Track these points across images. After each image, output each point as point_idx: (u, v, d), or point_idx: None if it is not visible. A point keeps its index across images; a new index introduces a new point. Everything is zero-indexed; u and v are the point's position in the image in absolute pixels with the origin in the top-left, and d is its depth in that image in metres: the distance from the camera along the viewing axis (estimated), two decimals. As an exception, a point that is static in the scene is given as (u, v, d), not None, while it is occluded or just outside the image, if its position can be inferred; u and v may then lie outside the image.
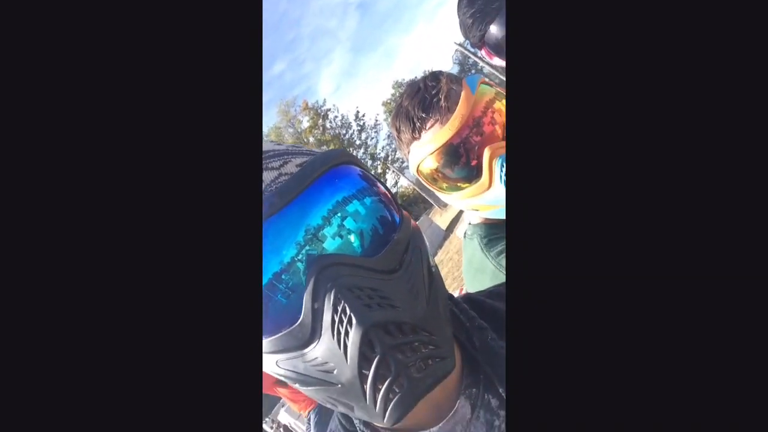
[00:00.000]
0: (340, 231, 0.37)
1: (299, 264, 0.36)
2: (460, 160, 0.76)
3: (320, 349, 0.36)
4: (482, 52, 0.98)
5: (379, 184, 0.43)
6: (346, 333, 0.34)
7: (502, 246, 0.83)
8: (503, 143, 0.75)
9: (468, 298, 0.52)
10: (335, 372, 0.36)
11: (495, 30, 0.90)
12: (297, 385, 0.39)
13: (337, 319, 0.34)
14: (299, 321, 0.36)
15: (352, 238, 0.38)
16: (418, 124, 0.75)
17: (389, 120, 0.85)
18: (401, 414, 0.35)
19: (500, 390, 0.42)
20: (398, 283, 0.37)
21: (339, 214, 0.38)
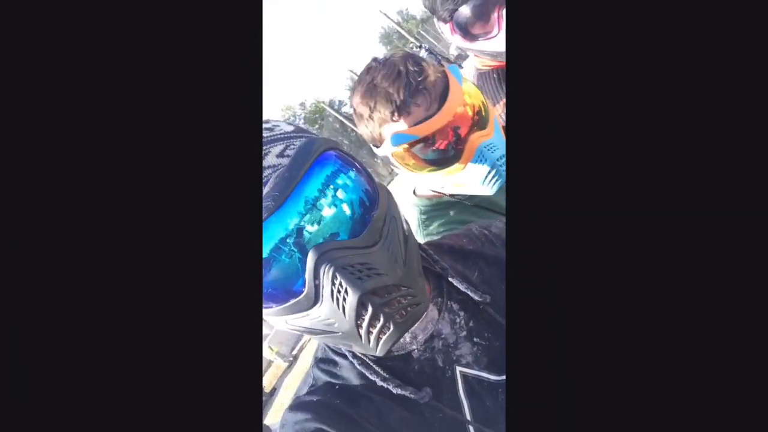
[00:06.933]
0: (334, 201, 0.45)
1: (306, 233, 0.44)
2: (433, 144, 0.80)
3: (323, 310, 0.45)
4: (444, 26, 1.00)
5: (354, 161, 0.50)
6: (344, 299, 0.43)
7: (434, 226, 0.90)
8: (485, 132, 0.80)
9: (430, 243, 0.68)
10: (336, 325, 0.46)
11: (466, 10, 0.95)
12: (305, 335, 0.49)
13: (335, 290, 0.43)
14: (304, 293, 0.44)
15: (345, 207, 0.46)
16: (400, 107, 0.75)
17: (351, 97, 0.84)
18: (390, 346, 0.47)
19: (458, 295, 0.57)
20: (380, 252, 0.46)
21: (331, 186, 0.46)
